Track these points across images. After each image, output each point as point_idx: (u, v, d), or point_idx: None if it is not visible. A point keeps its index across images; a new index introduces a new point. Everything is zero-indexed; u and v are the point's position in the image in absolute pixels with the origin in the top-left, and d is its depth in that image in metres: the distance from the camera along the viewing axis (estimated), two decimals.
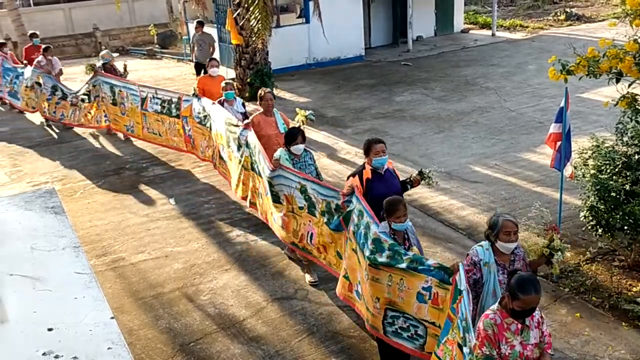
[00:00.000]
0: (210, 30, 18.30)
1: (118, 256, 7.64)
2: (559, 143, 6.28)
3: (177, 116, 9.78)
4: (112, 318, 3.32)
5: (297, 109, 7.91)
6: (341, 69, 17.34)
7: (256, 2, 12.33)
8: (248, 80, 14.44)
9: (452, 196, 8.72)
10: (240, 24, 13.84)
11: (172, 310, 6.47)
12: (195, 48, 14.56)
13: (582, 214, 6.80)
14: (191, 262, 7.39)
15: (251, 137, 7.51)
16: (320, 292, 6.63)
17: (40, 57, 12.99)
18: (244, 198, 7.96)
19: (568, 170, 6.41)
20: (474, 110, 12.73)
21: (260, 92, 7.91)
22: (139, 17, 24.73)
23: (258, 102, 7.98)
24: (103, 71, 11.74)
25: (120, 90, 10.91)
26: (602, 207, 6.38)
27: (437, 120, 12.26)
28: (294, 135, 6.69)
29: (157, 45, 22.86)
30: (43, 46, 13.44)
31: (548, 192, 8.60)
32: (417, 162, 10.01)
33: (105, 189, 9.81)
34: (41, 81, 12.54)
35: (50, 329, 3.22)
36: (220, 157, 8.76)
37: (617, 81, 6.00)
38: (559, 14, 22.91)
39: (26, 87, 12.87)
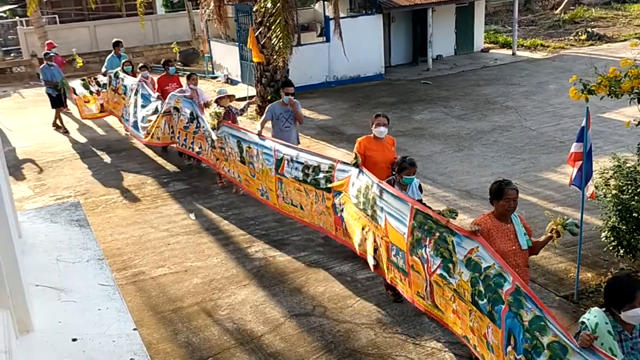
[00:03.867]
0: (232, 48, 18.59)
1: (138, 270, 7.72)
2: (579, 162, 6.26)
3: (328, 190, 7.22)
4: (135, 329, 3.38)
5: (547, 212, 5.55)
6: (361, 87, 17.43)
7: (278, 21, 12.50)
8: (269, 97, 14.57)
9: (472, 215, 8.68)
10: (262, 42, 14.01)
11: (191, 324, 6.51)
12: (277, 128, 9.10)
13: (603, 234, 6.75)
14: (210, 277, 7.44)
15: (484, 252, 4.91)
16: (338, 309, 6.63)
17: (184, 87, 11.10)
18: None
19: (589, 190, 6.37)
20: (494, 129, 12.71)
21: (497, 186, 5.13)
22: (162, 34, 25.12)
23: (490, 198, 5.24)
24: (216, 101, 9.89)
25: (249, 147, 8.58)
26: (623, 227, 6.33)
27: (457, 139, 12.25)
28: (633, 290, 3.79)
29: (179, 63, 23.17)
30: (187, 74, 11.43)
31: (569, 211, 8.53)
32: (436, 181, 10.01)
33: (127, 203, 9.94)
34: (180, 106, 10.52)
35: (74, 339, 3.29)
36: (390, 261, 6.16)
37: (639, 101, 5.99)
38: (580, 33, 22.85)
39: (159, 114, 11.03)
